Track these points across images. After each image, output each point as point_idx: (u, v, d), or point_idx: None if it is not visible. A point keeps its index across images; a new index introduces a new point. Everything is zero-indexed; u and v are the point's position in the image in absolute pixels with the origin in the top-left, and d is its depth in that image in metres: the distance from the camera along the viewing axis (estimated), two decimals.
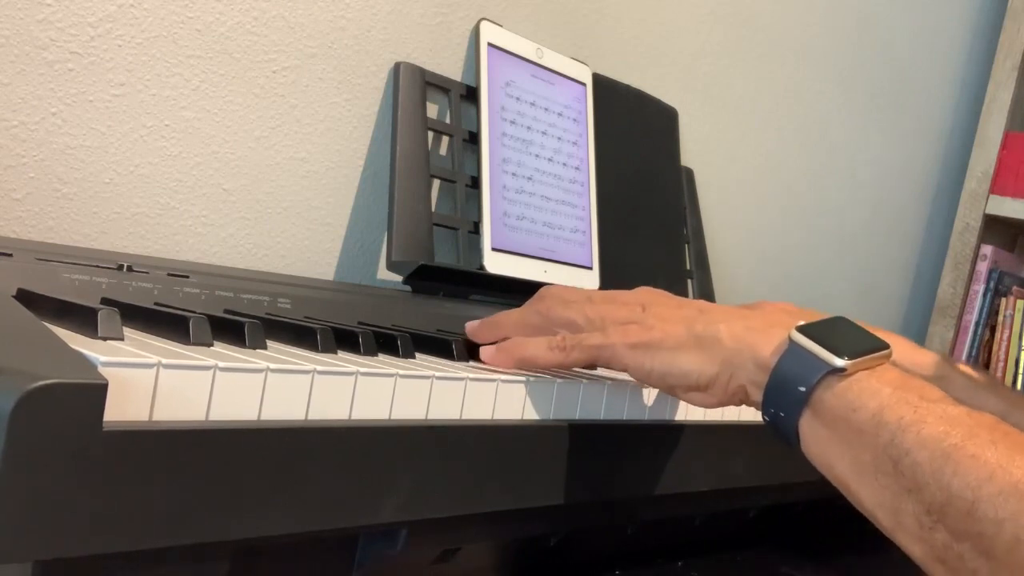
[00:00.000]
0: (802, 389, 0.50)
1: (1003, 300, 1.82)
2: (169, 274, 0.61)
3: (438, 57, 0.94)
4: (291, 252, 0.87)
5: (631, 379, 0.64)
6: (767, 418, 0.52)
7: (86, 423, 0.34)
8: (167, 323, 0.47)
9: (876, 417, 0.47)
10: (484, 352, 0.57)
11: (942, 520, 0.44)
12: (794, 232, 1.55)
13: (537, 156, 0.96)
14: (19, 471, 0.33)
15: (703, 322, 0.55)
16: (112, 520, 0.36)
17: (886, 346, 0.51)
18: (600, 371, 0.69)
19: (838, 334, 0.51)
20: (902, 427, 0.46)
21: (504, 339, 0.60)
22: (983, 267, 1.80)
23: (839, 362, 0.49)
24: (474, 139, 0.92)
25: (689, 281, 1.18)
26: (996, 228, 1.85)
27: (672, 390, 0.56)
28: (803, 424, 0.50)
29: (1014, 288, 1.84)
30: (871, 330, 0.54)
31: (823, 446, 0.50)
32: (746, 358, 0.53)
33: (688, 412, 0.66)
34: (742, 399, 0.55)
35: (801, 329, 0.51)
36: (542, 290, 0.63)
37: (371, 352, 0.54)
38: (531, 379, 0.56)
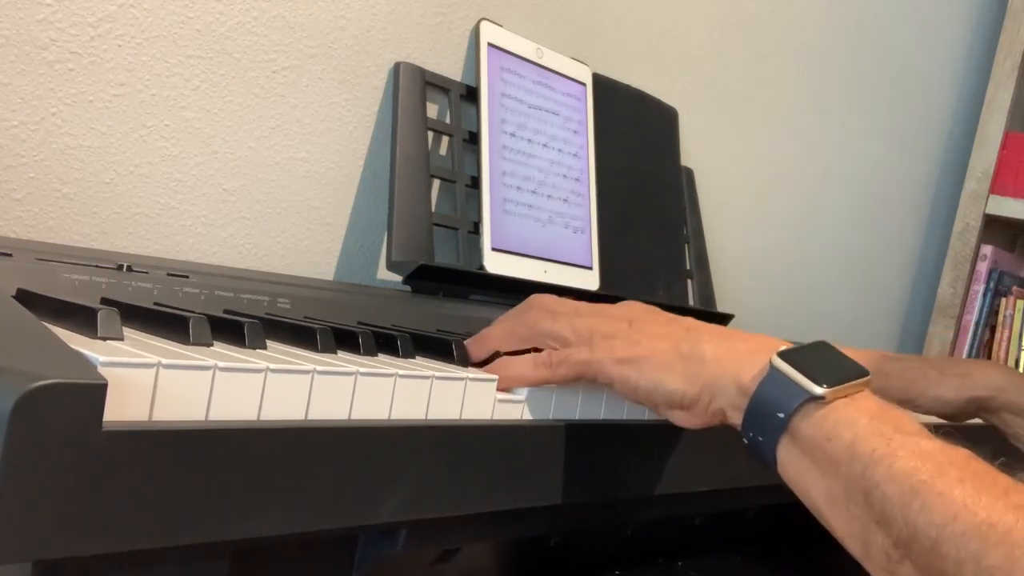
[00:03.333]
0: (781, 415, 0.50)
1: (1003, 300, 1.82)
2: (169, 274, 0.61)
3: (438, 57, 0.94)
4: (291, 252, 0.87)
5: None
6: (746, 441, 0.53)
7: (86, 423, 0.34)
8: (167, 323, 0.47)
9: (850, 448, 0.47)
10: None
11: (908, 555, 0.44)
12: (794, 232, 1.55)
13: (537, 156, 0.96)
14: (19, 471, 0.33)
15: (689, 341, 0.55)
16: (112, 520, 0.36)
17: (865, 373, 0.51)
18: None
19: (819, 361, 0.51)
20: (874, 460, 0.46)
21: (494, 353, 0.60)
22: (983, 267, 1.80)
23: (818, 390, 0.49)
24: (474, 139, 0.92)
25: (689, 281, 1.18)
26: (996, 228, 1.85)
27: (656, 407, 0.56)
28: (781, 449, 0.51)
29: (1014, 288, 1.84)
30: (851, 353, 0.54)
31: (799, 472, 0.50)
32: (727, 381, 0.53)
33: None
34: (722, 420, 0.55)
35: (782, 355, 0.51)
36: (530, 299, 0.63)
37: (371, 352, 0.54)
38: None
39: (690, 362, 0.54)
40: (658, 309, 0.61)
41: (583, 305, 0.61)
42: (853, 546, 0.48)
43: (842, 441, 0.48)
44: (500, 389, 0.55)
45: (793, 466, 0.51)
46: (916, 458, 0.46)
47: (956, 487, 0.44)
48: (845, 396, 0.50)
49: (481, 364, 0.59)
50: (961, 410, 0.89)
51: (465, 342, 0.61)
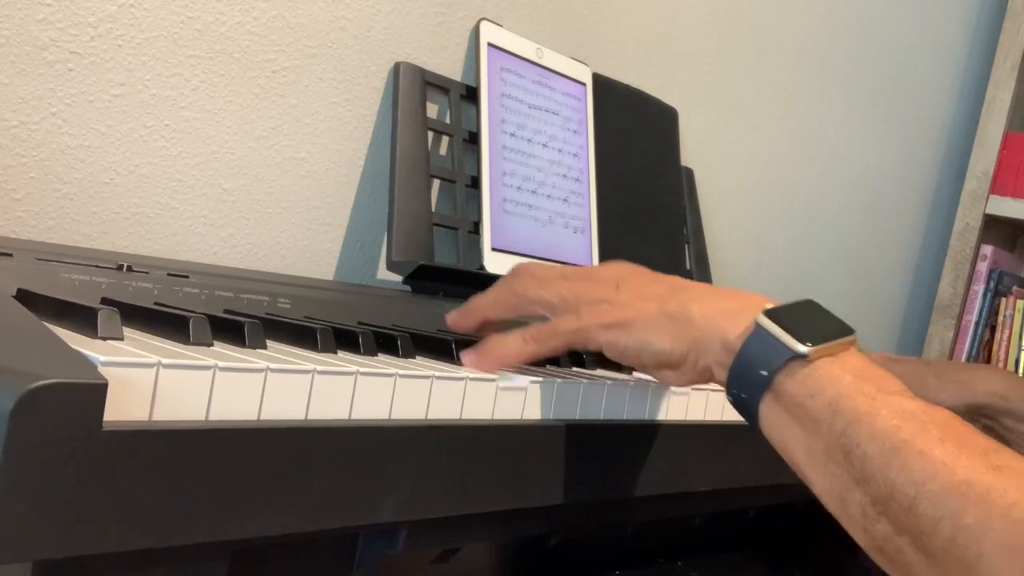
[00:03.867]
0: (764, 373, 0.50)
1: (1003, 300, 1.82)
2: (169, 274, 0.61)
3: (438, 57, 0.94)
4: (291, 252, 0.87)
5: (631, 379, 0.64)
6: (730, 398, 0.53)
7: (86, 423, 0.34)
8: (167, 323, 0.47)
9: (832, 406, 0.47)
10: (465, 359, 0.58)
11: (885, 513, 0.44)
12: (794, 232, 1.55)
13: (537, 156, 0.96)
14: (19, 471, 0.33)
15: (676, 301, 0.56)
16: (112, 520, 0.36)
17: (851, 331, 0.52)
18: (599, 371, 0.69)
19: (804, 319, 0.51)
20: (856, 418, 0.46)
21: (483, 322, 0.61)
22: (983, 267, 1.80)
23: (801, 348, 0.49)
24: (474, 139, 0.92)
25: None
26: (996, 228, 1.85)
27: (644, 367, 0.57)
28: (763, 407, 0.51)
29: (1014, 288, 1.84)
30: None
31: (781, 430, 0.50)
32: (714, 339, 0.53)
33: (688, 412, 0.66)
34: (709, 378, 0.56)
35: (768, 313, 0.52)
36: (516, 267, 0.63)
37: (371, 352, 0.54)
38: (531, 379, 0.56)
39: (677, 322, 0.55)
40: (644, 268, 0.61)
41: (569, 269, 0.62)
42: (831, 503, 0.48)
43: (824, 398, 0.48)
44: (490, 369, 0.56)
45: (775, 423, 0.51)
46: (898, 416, 0.46)
47: (937, 446, 0.44)
48: (829, 355, 0.50)
49: (470, 344, 0.59)
50: (959, 415, 0.90)
51: (453, 312, 0.62)
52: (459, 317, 0.62)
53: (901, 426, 0.45)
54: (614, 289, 0.58)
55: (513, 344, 0.57)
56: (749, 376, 0.51)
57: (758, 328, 0.51)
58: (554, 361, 0.66)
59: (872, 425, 0.46)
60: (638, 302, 0.56)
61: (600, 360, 0.69)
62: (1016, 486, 0.41)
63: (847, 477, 0.46)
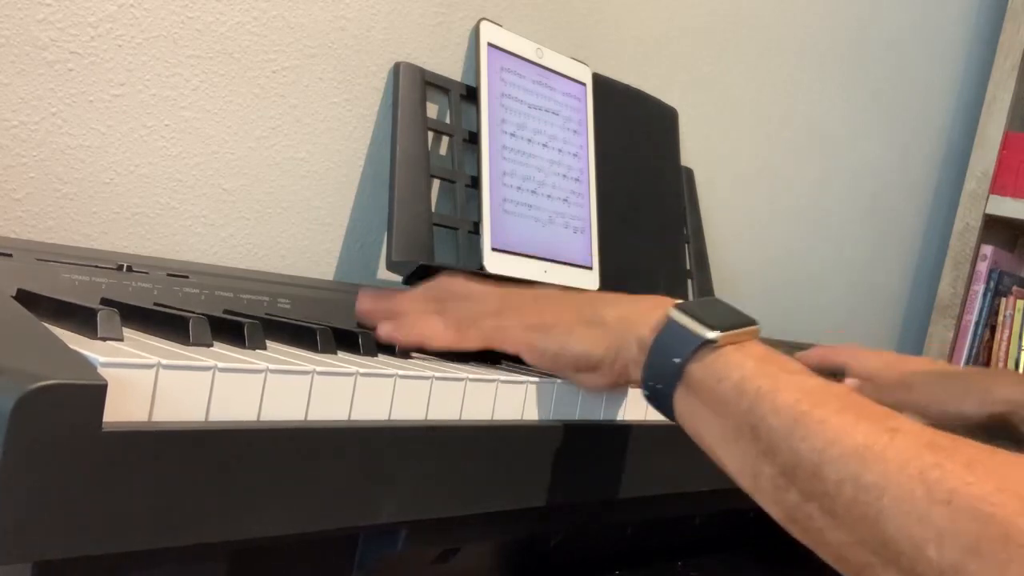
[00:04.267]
0: (676, 360, 0.53)
1: (1003, 300, 1.82)
2: (169, 274, 0.61)
3: (438, 57, 0.94)
4: (291, 252, 0.87)
5: None
6: (646, 392, 0.55)
7: (86, 423, 0.34)
8: (167, 323, 0.47)
9: (738, 387, 0.50)
10: (381, 328, 0.59)
11: (793, 482, 0.46)
12: (794, 232, 1.55)
13: (537, 156, 0.96)
14: (19, 471, 0.33)
15: (592, 308, 0.59)
16: (112, 520, 0.36)
17: (754, 322, 0.54)
18: None
19: (712, 311, 0.54)
20: (760, 395, 0.49)
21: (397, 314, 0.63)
22: (983, 267, 1.80)
23: (710, 334, 0.52)
24: (474, 139, 0.92)
25: (689, 281, 1.18)
26: (996, 228, 1.85)
27: (563, 371, 0.59)
28: (677, 396, 0.53)
29: (1014, 288, 1.84)
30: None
31: (693, 416, 0.53)
32: (630, 338, 0.56)
33: None
34: (627, 379, 0.58)
35: (679, 307, 0.54)
36: (440, 282, 0.66)
37: (371, 352, 0.54)
38: (531, 379, 0.56)
39: (594, 326, 0.57)
40: (563, 290, 0.64)
41: (490, 288, 0.64)
42: (744, 480, 0.50)
43: (731, 381, 0.50)
44: (403, 344, 0.57)
45: (688, 410, 0.53)
46: (799, 391, 0.48)
47: (835, 415, 0.46)
48: (735, 342, 0.52)
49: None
50: (982, 423, 0.92)
51: (367, 298, 0.63)
52: (374, 299, 0.65)
53: (802, 399, 0.47)
54: (532, 300, 0.61)
55: (433, 327, 0.60)
56: (662, 367, 0.53)
57: (669, 321, 0.54)
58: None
59: (774, 401, 0.48)
60: (556, 309, 0.59)
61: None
62: (910, 445, 0.43)
63: (755, 452, 0.48)
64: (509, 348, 0.59)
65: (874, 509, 0.43)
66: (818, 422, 0.46)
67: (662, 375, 0.53)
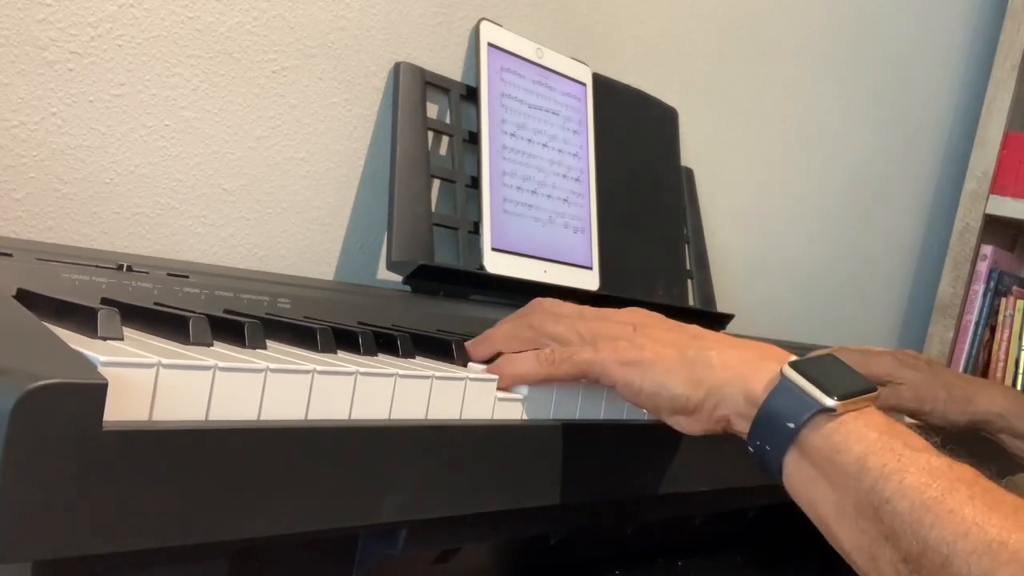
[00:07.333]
0: (791, 426, 0.50)
1: (1003, 300, 1.82)
2: (169, 274, 0.61)
3: (438, 57, 0.94)
4: (291, 252, 0.87)
5: None
6: (751, 449, 0.53)
7: (86, 423, 0.34)
8: (167, 323, 0.47)
9: (860, 461, 0.48)
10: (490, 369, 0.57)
11: (917, 570, 0.45)
12: (794, 232, 1.55)
13: (537, 156, 0.96)
14: (19, 471, 0.33)
15: (695, 347, 0.55)
16: (112, 520, 0.36)
17: (874, 388, 0.52)
18: None
19: (829, 373, 0.51)
20: (885, 474, 0.47)
21: (496, 354, 0.60)
22: (983, 267, 1.80)
23: (829, 402, 0.49)
24: (474, 139, 0.91)
25: (689, 281, 1.18)
26: (996, 228, 1.85)
27: (659, 411, 0.56)
28: (788, 461, 0.51)
29: (1014, 288, 1.84)
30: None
31: (807, 484, 0.50)
32: (736, 389, 0.53)
33: None
34: (725, 428, 0.55)
35: (794, 365, 0.52)
36: (534, 302, 0.63)
37: (371, 352, 0.54)
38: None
39: (696, 367, 0.54)
40: (662, 316, 0.61)
41: (587, 309, 0.61)
42: (860, 560, 0.48)
43: (852, 454, 0.48)
44: (502, 387, 0.55)
45: (800, 477, 0.51)
46: (926, 474, 0.46)
47: (967, 504, 0.45)
48: (855, 409, 0.50)
49: (484, 364, 0.59)
50: (963, 431, 0.94)
51: (467, 343, 0.61)
52: (473, 347, 0.61)
53: (930, 483, 0.46)
54: (631, 330, 0.57)
55: (526, 363, 0.57)
56: (773, 428, 0.51)
57: (784, 380, 0.51)
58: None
59: (901, 482, 0.46)
60: (656, 344, 0.56)
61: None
62: None
63: (876, 533, 0.47)
64: (604, 383, 0.56)
65: None
66: (948, 511, 0.44)
67: (772, 437, 0.51)
